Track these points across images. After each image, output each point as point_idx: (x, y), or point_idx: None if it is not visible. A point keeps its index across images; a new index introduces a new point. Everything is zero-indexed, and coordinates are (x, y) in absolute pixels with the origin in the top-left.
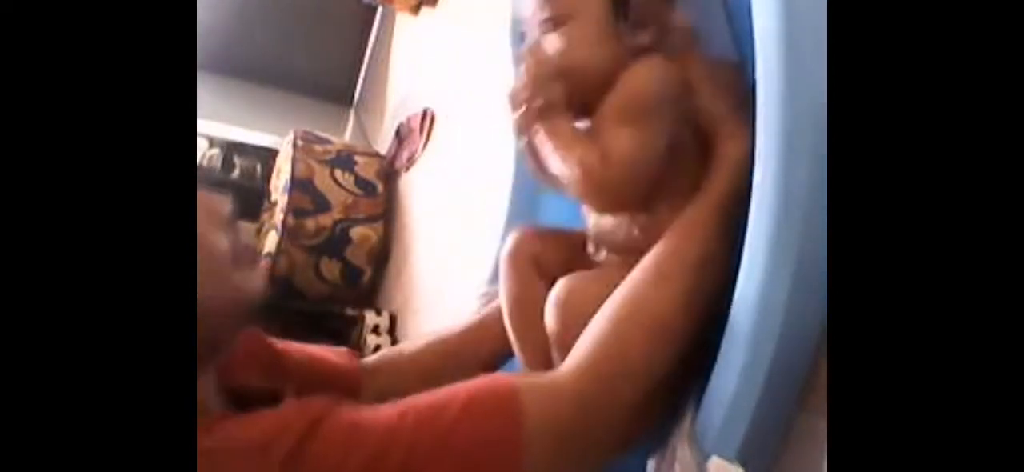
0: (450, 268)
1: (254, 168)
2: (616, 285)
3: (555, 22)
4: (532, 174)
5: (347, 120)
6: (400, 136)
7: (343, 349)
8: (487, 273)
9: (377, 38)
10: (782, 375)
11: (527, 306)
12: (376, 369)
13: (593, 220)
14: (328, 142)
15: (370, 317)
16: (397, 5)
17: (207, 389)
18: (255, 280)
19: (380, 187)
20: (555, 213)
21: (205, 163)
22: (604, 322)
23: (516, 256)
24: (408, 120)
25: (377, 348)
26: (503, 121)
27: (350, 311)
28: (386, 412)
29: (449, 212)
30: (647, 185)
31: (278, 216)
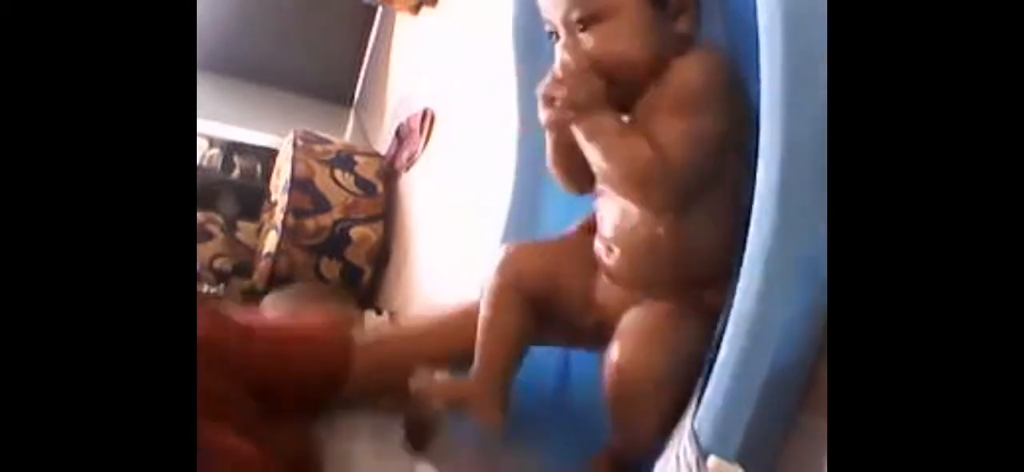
0: (450, 268)
1: (254, 168)
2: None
3: (592, 18)
4: (555, 175)
5: (347, 120)
6: (400, 136)
7: (335, 317)
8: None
9: (377, 38)
10: (782, 375)
11: (496, 329)
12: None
13: (611, 219)
14: (328, 142)
15: (370, 317)
16: (397, 5)
17: None
18: None
19: (380, 187)
20: (555, 213)
21: (205, 163)
22: None
23: (498, 276)
24: (408, 120)
25: None
26: (503, 121)
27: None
28: None
29: (449, 212)
30: (701, 180)
31: (278, 216)
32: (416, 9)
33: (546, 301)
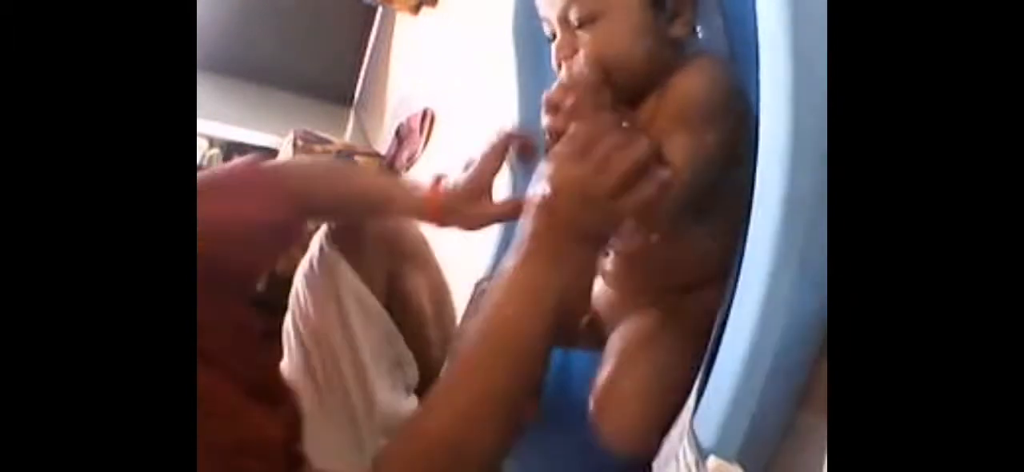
0: (450, 268)
1: None
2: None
3: (589, 18)
4: None
5: (347, 120)
6: (400, 136)
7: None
8: (486, 272)
9: (377, 38)
10: (782, 375)
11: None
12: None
13: None
14: (328, 142)
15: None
16: (397, 5)
17: None
18: None
19: None
20: None
21: (205, 163)
22: None
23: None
24: (408, 120)
25: None
26: (503, 121)
27: None
28: None
29: None
30: (710, 190)
31: None
32: (416, 9)
33: None
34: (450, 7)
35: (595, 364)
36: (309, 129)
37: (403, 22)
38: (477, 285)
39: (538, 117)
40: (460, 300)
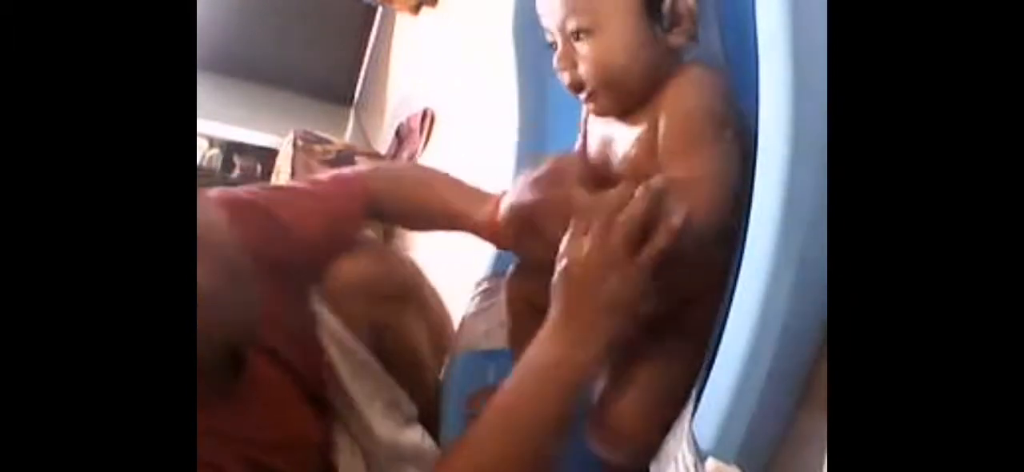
0: (450, 268)
1: (254, 168)
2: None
3: (587, 29)
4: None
5: (347, 120)
6: (400, 136)
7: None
8: (485, 271)
9: (377, 38)
10: (782, 375)
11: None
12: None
13: None
14: (328, 142)
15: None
16: (397, 5)
17: None
18: None
19: None
20: None
21: (205, 163)
22: None
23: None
24: (408, 120)
25: None
26: (503, 121)
27: None
28: None
29: None
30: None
31: None
32: (416, 9)
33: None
34: (450, 7)
35: None
36: (309, 129)
37: (403, 22)
38: (477, 285)
39: (538, 117)
40: (460, 301)
